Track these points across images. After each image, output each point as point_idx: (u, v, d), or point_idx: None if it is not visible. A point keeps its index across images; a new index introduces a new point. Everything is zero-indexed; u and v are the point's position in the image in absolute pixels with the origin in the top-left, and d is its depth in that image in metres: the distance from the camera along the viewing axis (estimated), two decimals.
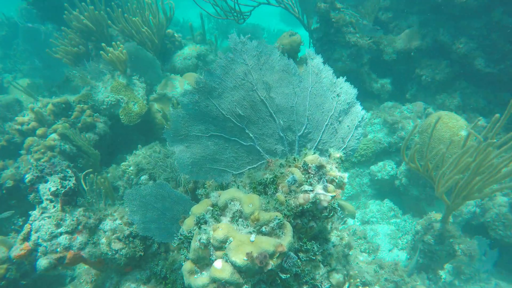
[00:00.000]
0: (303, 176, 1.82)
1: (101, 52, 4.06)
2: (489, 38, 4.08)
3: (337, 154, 2.01)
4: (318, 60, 2.13)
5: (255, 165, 2.13)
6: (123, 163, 3.68)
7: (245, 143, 2.09)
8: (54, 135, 3.60)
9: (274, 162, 2.01)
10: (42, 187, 2.01)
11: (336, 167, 1.96)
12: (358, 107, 2.21)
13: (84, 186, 2.99)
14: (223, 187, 2.12)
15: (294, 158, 1.92)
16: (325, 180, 1.77)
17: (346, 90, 2.19)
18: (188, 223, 1.79)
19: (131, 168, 3.63)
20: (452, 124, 3.77)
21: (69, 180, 2.12)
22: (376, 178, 4.44)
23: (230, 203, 1.72)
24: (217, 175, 2.10)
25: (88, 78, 4.15)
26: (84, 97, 4.12)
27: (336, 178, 1.88)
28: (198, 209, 1.81)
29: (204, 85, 1.91)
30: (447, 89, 4.52)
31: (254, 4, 4.24)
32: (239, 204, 1.69)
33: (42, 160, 3.33)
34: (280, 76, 2.03)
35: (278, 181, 1.86)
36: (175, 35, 5.35)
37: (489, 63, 4.07)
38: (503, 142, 2.57)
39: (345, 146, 2.21)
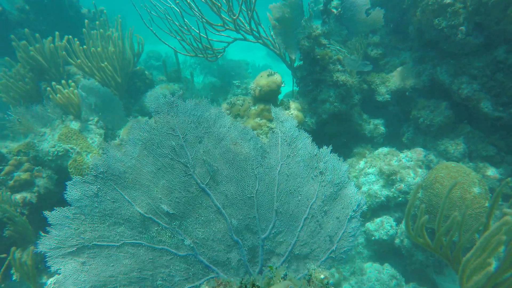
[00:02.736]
0: None
1: (48, 88, 3.36)
2: (494, 79, 3.47)
3: (321, 275, 1.25)
4: (290, 123, 1.42)
5: (197, 283, 1.37)
6: None
7: (179, 253, 1.33)
8: None
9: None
10: None
11: None
12: (351, 189, 1.49)
13: None
14: None
15: (254, 283, 1.16)
16: None
17: (333, 165, 1.47)
18: None
19: None
20: (463, 179, 3.07)
21: None
22: (373, 238, 3.65)
23: None
24: None
25: (31, 122, 3.42)
26: (25, 147, 3.36)
27: None
28: None
29: (107, 169, 1.19)
30: (448, 134, 3.86)
31: (229, 40, 3.63)
32: None
33: None
34: (232, 152, 1.31)
35: None
36: (146, 72, 4.72)
37: (497, 106, 3.44)
38: None
39: (334, 248, 1.47)
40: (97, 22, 3.61)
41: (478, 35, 3.43)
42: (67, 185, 1.15)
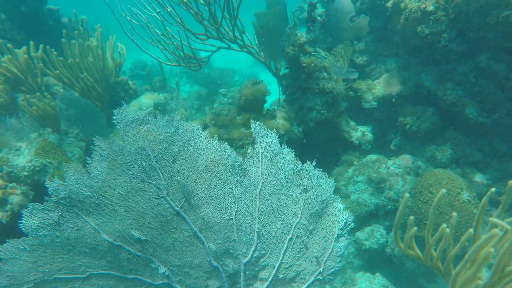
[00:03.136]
0: None
1: (22, 101, 3.21)
2: (478, 85, 3.50)
3: None
4: (271, 138, 1.35)
5: None
6: None
7: (154, 282, 1.23)
8: None
9: None
10: None
11: None
12: (337, 206, 1.42)
13: None
14: None
15: None
16: None
17: (318, 181, 1.40)
18: None
19: None
20: (451, 186, 3.04)
21: None
22: (363, 247, 3.59)
23: None
24: None
25: (5, 136, 3.26)
26: None
27: None
28: None
29: (70, 194, 1.09)
30: (435, 140, 3.86)
31: (213, 49, 3.57)
32: None
33: None
34: (209, 171, 1.23)
35: None
36: (129, 82, 4.60)
37: (481, 112, 3.46)
38: None
39: (321, 269, 1.39)
40: (75, 32, 3.49)
41: (460, 42, 3.46)
42: (22, 214, 1.04)
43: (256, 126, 1.34)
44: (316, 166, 4.20)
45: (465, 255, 1.98)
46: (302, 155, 3.99)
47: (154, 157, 1.14)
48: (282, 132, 3.06)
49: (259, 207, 1.25)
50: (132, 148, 1.11)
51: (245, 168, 1.25)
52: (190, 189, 1.15)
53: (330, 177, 1.41)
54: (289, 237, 1.30)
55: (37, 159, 3.24)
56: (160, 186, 1.14)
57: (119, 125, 1.11)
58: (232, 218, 1.20)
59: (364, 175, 3.74)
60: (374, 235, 3.56)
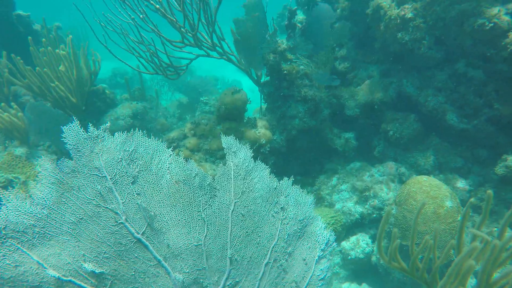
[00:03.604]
0: None
1: None
2: (457, 91, 3.53)
3: None
4: (244, 154, 1.25)
5: None
6: None
7: None
8: None
9: None
10: None
11: None
12: (318, 225, 1.33)
13: None
14: None
15: None
16: None
17: (296, 198, 1.31)
18: None
19: None
20: (435, 193, 3.02)
21: None
22: (349, 257, 3.52)
23: None
24: None
25: None
26: None
27: None
28: None
29: (7, 224, 0.95)
30: (418, 146, 3.86)
31: (192, 57, 3.46)
32: None
33: None
34: (174, 192, 1.11)
35: None
36: (106, 91, 4.43)
37: (461, 118, 3.48)
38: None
39: None
40: (43, 40, 3.32)
41: (439, 49, 3.49)
42: None
43: (227, 141, 1.23)
44: (300, 175, 4.07)
45: (450, 266, 1.92)
46: (285, 164, 3.91)
47: (110, 178, 1.02)
48: (264, 142, 2.97)
49: (231, 230, 1.14)
50: (85, 169, 0.98)
51: (215, 188, 1.14)
52: (153, 213, 1.03)
53: (309, 193, 1.31)
54: (266, 261, 1.19)
55: (1, 174, 3.02)
56: (117, 211, 1.01)
57: (69, 144, 0.98)
58: (201, 244, 1.08)
59: (348, 183, 3.69)
60: (359, 245, 3.49)
